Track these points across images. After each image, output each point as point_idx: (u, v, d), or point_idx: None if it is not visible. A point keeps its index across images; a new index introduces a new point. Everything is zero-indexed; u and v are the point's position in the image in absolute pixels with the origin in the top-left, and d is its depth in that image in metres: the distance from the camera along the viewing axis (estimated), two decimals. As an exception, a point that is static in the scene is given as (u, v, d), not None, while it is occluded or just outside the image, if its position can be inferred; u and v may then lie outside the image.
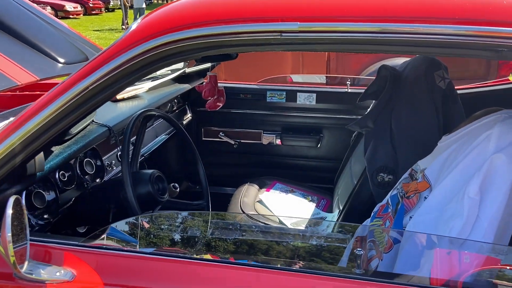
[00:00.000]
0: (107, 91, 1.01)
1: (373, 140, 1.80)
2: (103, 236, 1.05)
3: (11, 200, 0.85)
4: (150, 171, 1.52)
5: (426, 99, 1.62)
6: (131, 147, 1.52)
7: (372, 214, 1.47)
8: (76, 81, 1.01)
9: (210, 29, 0.92)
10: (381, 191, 1.66)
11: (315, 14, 0.89)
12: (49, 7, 16.11)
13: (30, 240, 0.91)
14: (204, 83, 1.90)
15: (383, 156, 1.71)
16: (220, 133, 2.84)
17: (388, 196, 1.40)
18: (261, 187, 2.57)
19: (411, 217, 1.17)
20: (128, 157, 1.32)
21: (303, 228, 2.19)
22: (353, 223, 2.01)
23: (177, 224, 1.65)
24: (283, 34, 0.88)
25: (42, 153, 1.17)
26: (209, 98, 1.83)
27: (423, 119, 1.63)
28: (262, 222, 2.17)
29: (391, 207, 1.35)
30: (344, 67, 4.62)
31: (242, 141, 2.84)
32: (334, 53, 4.63)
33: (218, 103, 1.84)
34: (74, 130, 1.45)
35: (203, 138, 2.90)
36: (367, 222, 1.52)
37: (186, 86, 2.43)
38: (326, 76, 3.68)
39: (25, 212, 0.90)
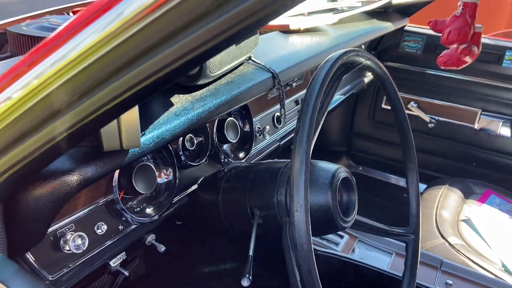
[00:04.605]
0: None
1: None
2: None
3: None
4: (333, 167, 0.79)
5: None
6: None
7: None
8: None
9: None
10: None
11: None
12: None
13: None
14: (448, 18, 1.04)
15: None
16: (411, 103, 1.98)
17: None
18: (466, 195, 1.69)
19: None
20: (312, 132, 0.61)
21: None
22: None
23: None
24: None
25: (136, 110, 0.53)
26: (454, 44, 0.99)
27: None
28: (477, 266, 1.32)
29: None
30: None
31: (441, 119, 1.94)
32: None
33: (467, 57, 0.99)
34: (215, 70, 0.78)
35: (383, 106, 2.08)
36: None
37: (387, 26, 1.59)
38: None
39: None
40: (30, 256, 0.67)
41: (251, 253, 0.74)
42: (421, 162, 2.02)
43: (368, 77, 1.88)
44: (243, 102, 0.86)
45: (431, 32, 1.87)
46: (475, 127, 1.88)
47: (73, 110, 0.39)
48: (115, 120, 0.54)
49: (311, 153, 0.63)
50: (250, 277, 0.69)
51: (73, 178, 0.56)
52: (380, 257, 1.29)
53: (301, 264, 0.60)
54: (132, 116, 0.54)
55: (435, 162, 1.98)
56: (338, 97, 1.63)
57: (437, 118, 1.95)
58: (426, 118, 1.95)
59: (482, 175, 1.86)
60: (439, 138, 1.96)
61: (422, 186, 2.00)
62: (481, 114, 1.85)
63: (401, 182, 2.19)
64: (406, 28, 1.89)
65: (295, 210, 0.60)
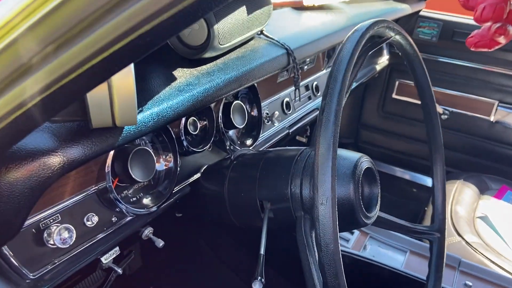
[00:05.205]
0: None
1: None
2: None
3: None
4: (355, 155, 0.70)
5: None
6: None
7: None
8: None
9: None
10: None
11: None
12: None
13: None
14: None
15: None
16: (424, 93, 1.87)
17: None
18: (482, 191, 1.60)
19: None
20: (340, 111, 0.52)
21: None
22: None
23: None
24: None
25: (132, 79, 0.43)
26: (488, 22, 0.89)
27: None
28: (496, 267, 1.23)
29: None
30: None
31: (455, 110, 1.84)
32: None
33: (501, 37, 0.89)
34: (224, 42, 0.68)
35: (394, 96, 1.98)
36: None
37: (404, 8, 1.49)
38: None
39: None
40: (7, 251, 0.57)
41: (262, 251, 0.65)
42: (427, 153, 1.94)
43: (380, 64, 1.78)
44: (254, 80, 0.76)
45: (448, 18, 1.77)
46: (491, 120, 1.78)
47: (48, 65, 0.30)
48: (107, 91, 0.44)
49: (338, 137, 0.53)
50: (263, 280, 0.60)
51: (55, 160, 0.46)
52: (393, 255, 1.21)
53: (325, 267, 0.51)
54: (127, 86, 0.45)
55: (448, 155, 1.88)
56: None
57: (451, 109, 1.85)
58: (440, 109, 1.86)
59: (498, 170, 1.77)
60: (452, 130, 1.87)
61: (434, 181, 1.91)
62: (498, 106, 1.75)
63: (407, 176, 2.11)
64: (421, 13, 1.79)
65: (320, 203, 0.50)
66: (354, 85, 1.52)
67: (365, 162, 0.71)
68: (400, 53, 0.80)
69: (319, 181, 0.50)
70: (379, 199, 0.75)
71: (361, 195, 0.69)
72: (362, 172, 0.69)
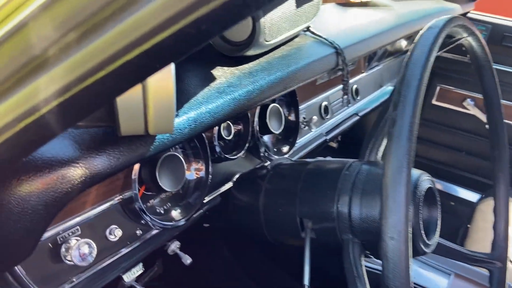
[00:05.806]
0: None
1: None
2: None
3: None
4: (415, 173, 0.61)
5: None
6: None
7: None
8: None
9: None
10: None
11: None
12: None
13: None
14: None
15: None
16: (468, 100, 1.75)
17: None
18: (530, 209, 1.47)
19: None
20: (416, 124, 0.43)
21: None
22: None
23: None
24: None
25: (171, 79, 0.35)
26: None
27: None
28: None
29: None
30: None
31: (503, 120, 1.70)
32: None
33: None
34: (271, 38, 0.60)
35: (434, 102, 1.86)
36: None
37: (455, 8, 1.37)
38: None
39: None
40: (19, 269, 0.51)
41: (307, 282, 0.56)
42: (476, 168, 1.81)
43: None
44: (300, 83, 0.67)
45: (497, 21, 1.64)
46: (542, 132, 1.64)
47: (68, 59, 0.22)
48: (140, 93, 0.36)
49: (414, 156, 0.44)
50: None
51: (76, 172, 0.39)
52: (436, 277, 1.10)
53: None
54: (165, 88, 0.37)
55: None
56: (389, 88, 1.43)
57: (496, 118, 1.72)
58: (484, 118, 1.72)
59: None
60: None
61: (476, 196, 1.78)
62: (550, 117, 1.62)
63: (445, 188, 1.97)
64: (468, 15, 1.66)
65: (389, 236, 0.41)
66: (390, 91, 1.42)
67: (426, 181, 0.62)
68: (468, 56, 0.70)
69: (388, 209, 0.41)
70: (439, 223, 0.65)
71: (421, 217, 0.60)
72: (424, 193, 0.60)
